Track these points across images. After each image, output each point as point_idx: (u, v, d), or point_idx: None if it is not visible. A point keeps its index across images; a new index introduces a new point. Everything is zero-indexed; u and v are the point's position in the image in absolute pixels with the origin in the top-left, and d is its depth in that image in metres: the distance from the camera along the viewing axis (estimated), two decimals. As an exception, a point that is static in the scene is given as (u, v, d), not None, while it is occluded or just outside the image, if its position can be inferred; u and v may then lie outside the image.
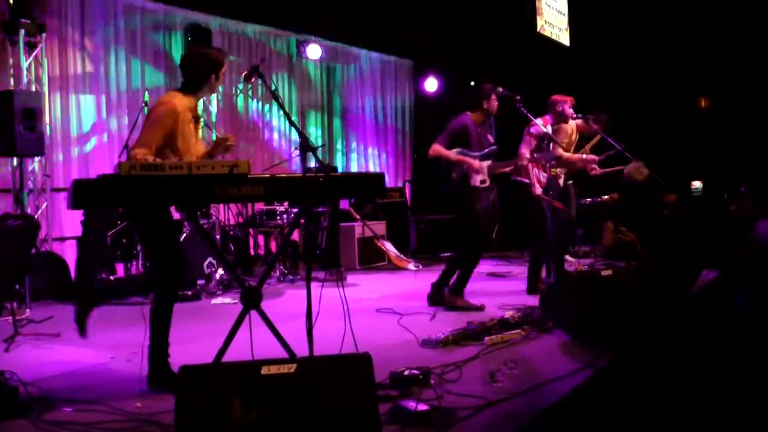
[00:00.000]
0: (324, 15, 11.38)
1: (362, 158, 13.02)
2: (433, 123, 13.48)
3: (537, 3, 12.57)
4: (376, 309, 6.28)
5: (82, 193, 3.20)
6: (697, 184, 11.86)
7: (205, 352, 3.76)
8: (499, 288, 7.49)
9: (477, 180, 5.95)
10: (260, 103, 11.42)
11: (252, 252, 9.71)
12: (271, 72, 11.53)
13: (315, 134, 12.29)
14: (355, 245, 9.56)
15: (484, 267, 9.31)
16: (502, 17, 11.91)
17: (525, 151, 6.74)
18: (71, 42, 8.66)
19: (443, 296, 6.23)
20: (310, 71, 12.26)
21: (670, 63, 12.34)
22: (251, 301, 3.71)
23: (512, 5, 11.94)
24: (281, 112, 11.61)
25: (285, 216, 8.49)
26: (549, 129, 6.81)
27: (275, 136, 11.65)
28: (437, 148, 5.96)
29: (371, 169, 12.97)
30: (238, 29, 10.99)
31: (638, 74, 12.41)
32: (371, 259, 9.73)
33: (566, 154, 6.93)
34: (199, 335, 5.26)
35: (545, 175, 6.77)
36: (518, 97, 6.20)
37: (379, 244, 9.51)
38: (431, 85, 13.10)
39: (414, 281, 8.11)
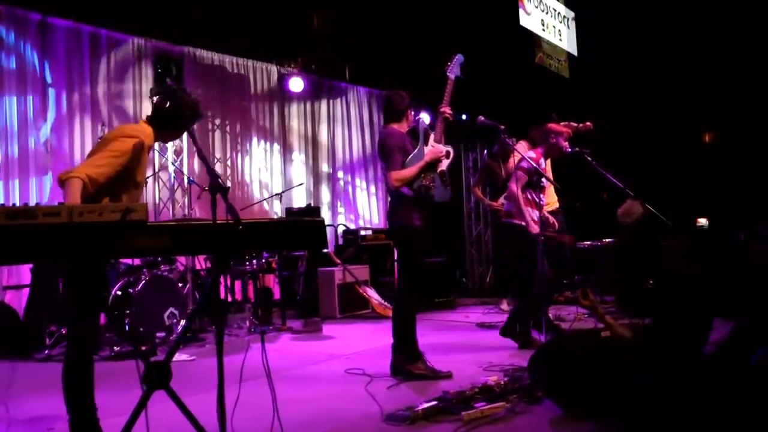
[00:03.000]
0: (307, 47, 10.85)
1: (350, 196, 12.31)
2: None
3: (536, 36, 12.16)
4: (345, 369, 5.52)
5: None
6: (702, 221, 11.15)
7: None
8: (488, 341, 6.72)
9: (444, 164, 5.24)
10: (238, 140, 10.76)
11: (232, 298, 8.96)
12: (251, 104, 10.93)
13: (299, 170, 11.62)
14: (335, 292, 8.81)
15: (474, 316, 8.59)
16: (500, 48, 11.43)
17: (515, 189, 6.05)
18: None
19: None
20: (293, 104, 11.61)
21: (675, 97, 11.84)
22: (157, 379, 2.96)
23: (510, 37, 11.51)
24: (266, 150, 11.03)
25: (256, 261, 7.77)
26: (543, 163, 6.12)
27: (257, 176, 10.97)
28: (399, 175, 5.10)
29: (361, 208, 12.28)
30: (214, 60, 10.40)
31: (641, 108, 11.88)
32: (353, 307, 8.96)
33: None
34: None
35: (537, 213, 6.07)
36: (502, 127, 5.54)
37: (360, 291, 8.74)
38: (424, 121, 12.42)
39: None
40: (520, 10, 12.31)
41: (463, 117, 5.72)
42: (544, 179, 6.00)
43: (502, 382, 4.48)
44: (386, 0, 10.41)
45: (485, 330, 7.58)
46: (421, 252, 5.25)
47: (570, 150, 6.17)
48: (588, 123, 7.05)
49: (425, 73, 10.77)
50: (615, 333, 4.07)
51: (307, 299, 9.00)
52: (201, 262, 8.56)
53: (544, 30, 12.99)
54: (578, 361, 3.99)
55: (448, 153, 5.25)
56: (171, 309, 7.15)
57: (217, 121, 10.47)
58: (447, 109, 5.26)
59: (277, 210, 10.49)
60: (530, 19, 12.58)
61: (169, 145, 9.19)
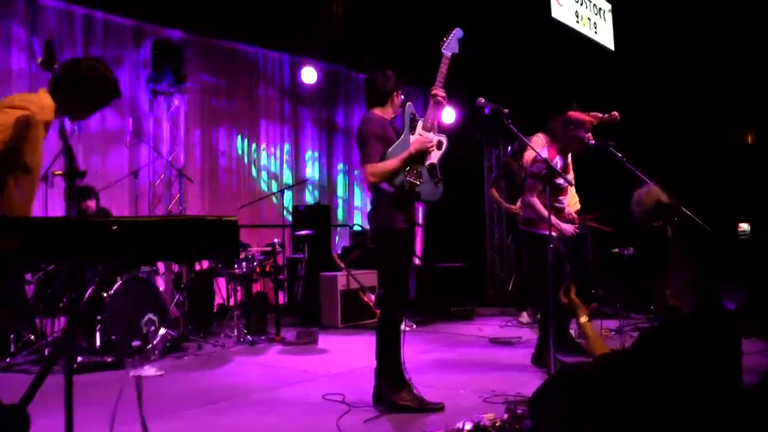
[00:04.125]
0: (320, 35, 10.11)
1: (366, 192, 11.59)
2: (451, 157, 12.27)
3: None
4: (324, 395, 4.76)
5: None
6: (744, 227, 10.09)
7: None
8: (498, 361, 5.97)
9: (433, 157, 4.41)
10: (246, 137, 10.11)
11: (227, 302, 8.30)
12: (260, 94, 10.28)
13: (312, 165, 10.97)
14: (338, 299, 8.06)
15: (489, 329, 7.81)
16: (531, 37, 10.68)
17: (531, 198, 5.30)
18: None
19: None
20: (306, 95, 10.93)
21: (717, 95, 10.93)
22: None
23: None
24: (273, 149, 10.37)
25: (245, 264, 7.07)
26: (561, 161, 5.33)
27: (263, 174, 10.32)
28: (376, 168, 4.30)
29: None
30: (222, 47, 9.76)
31: (681, 106, 11.00)
32: (357, 316, 8.18)
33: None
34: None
35: (554, 218, 5.30)
36: (506, 111, 4.73)
37: (365, 299, 8.01)
38: (448, 116, 11.61)
39: (398, 348, 6.59)
40: (552, 1, 11.54)
41: (485, 110, 4.75)
42: (561, 180, 5.20)
43: (499, 422, 3.73)
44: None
45: (498, 347, 6.80)
46: (404, 258, 4.46)
47: (594, 143, 5.36)
48: (614, 112, 6.24)
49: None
50: (592, 348, 3.40)
51: (307, 306, 8.28)
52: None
53: (578, 22, 12.19)
54: (587, 406, 3.20)
55: (439, 143, 4.45)
56: (149, 315, 6.50)
57: (223, 113, 9.82)
58: (440, 92, 4.44)
59: (288, 206, 9.88)
60: (563, 10, 11.80)
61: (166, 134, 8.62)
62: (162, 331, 6.50)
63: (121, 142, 8.36)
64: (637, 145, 6.51)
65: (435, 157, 4.42)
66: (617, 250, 7.25)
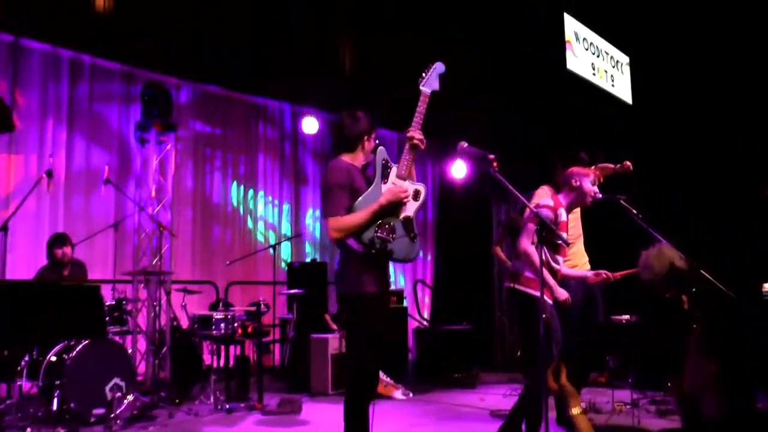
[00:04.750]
0: (321, 83, 9.68)
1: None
2: (459, 212, 11.80)
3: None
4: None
5: None
6: None
7: None
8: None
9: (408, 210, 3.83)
10: (242, 186, 9.66)
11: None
12: (259, 143, 9.86)
13: (312, 219, 10.48)
14: (328, 363, 7.42)
15: (492, 399, 7.18)
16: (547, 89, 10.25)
17: (527, 246, 4.63)
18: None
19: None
20: (307, 146, 10.49)
21: (738, 149, 10.38)
22: None
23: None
24: (270, 197, 9.90)
25: (224, 325, 6.50)
26: (562, 214, 4.73)
27: (260, 225, 9.83)
28: (339, 223, 3.70)
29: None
30: (219, 95, 9.38)
31: (701, 161, 10.45)
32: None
33: (569, 271, 4.92)
34: None
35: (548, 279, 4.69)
36: (491, 157, 4.15)
37: (357, 363, 7.36)
38: (459, 170, 11.07)
39: (389, 420, 5.92)
40: (568, 52, 11.13)
41: (467, 155, 4.14)
42: (562, 235, 4.60)
43: None
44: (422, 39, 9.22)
45: (499, 420, 6.11)
46: (373, 329, 3.80)
47: (600, 196, 4.77)
48: (627, 162, 5.69)
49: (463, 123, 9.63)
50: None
51: (296, 371, 7.67)
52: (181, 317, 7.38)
53: (594, 74, 11.76)
54: None
55: (416, 193, 3.88)
56: (115, 380, 5.93)
57: (217, 162, 9.38)
58: (417, 134, 3.87)
59: (288, 260, 9.39)
60: (578, 61, 11.38)
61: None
62: (130, 397, 5.94)
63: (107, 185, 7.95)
64: (657, 200, 5.97)
65: (411, 209, 3.83)
66: (614, 317, 6.53)
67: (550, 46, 10.95)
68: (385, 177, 3.83)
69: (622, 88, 12.51)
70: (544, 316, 4.19)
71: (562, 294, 4.52)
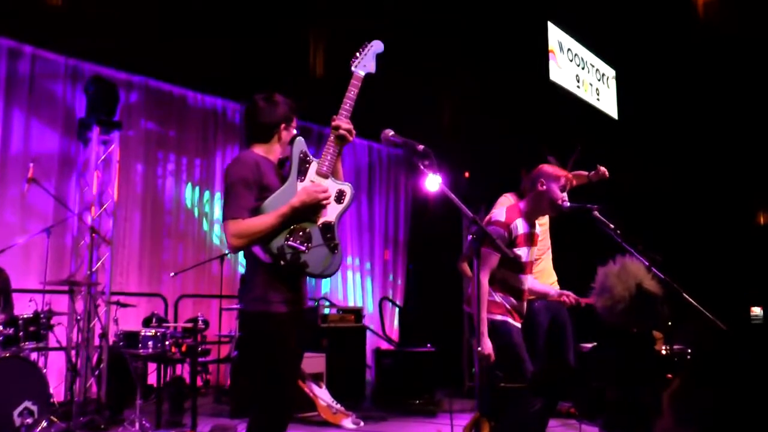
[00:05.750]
0: (291, 88, 9.08)
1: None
2: (429, 229, 11.22)
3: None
4: None
5: None
6: (757, 311, 9.89)
7: None
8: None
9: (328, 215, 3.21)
10: (197, 189, 9.04)
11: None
12: (216, 146, 9.25)
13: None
14: (275, 387, 6.81)
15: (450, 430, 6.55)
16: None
17: (483, 279, 4.05)
18: None
19: None
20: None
21: (726, 173, 10.01)
22: None
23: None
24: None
25: (152, 342, 5.83)
26: (520, 226, 4.14)
27: (216, 228, 9.20)
28: (241, 227, 3.02)
29: (350, 283, 10.39)
30: (174, 93, 8.77)
31: (686, 182, 10.04)
32: (296, 407, 6.91)
33: (533, 285, 4.34)
34: None
35: (514, 301, 4.14)
36: (420, 147, 3.41)
37: (305, 388, 6.72)
38: (433, 183, 10.46)
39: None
40: (551, 62, 10.62)
41: (396, 141, 3.45)
42: (523, 251, 4.04)
43: None
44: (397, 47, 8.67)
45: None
46: (280, 357, 3.12)
47: (569, 205, 4.16)
48: (602, 168, 5.13)
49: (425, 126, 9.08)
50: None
51: (237, 394, 7.02)
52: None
53: (578, 87, 11.26)
54: None
55: (340, 194, 3.23)
56: (26, 403, 5.31)
57: (171, 166, 8.76)
58: (344, 123, 3.23)
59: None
60: (562, 73, 10.87)
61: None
62: (44, 423, 5.30)
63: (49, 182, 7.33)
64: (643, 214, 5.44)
65: (332, 213, 3.20)
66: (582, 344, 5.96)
67: (533, 55, 10.51)
68: (302, 174, 3.18)
69: (607, 103, 12.03)
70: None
71: (485, 347, 3.88)
